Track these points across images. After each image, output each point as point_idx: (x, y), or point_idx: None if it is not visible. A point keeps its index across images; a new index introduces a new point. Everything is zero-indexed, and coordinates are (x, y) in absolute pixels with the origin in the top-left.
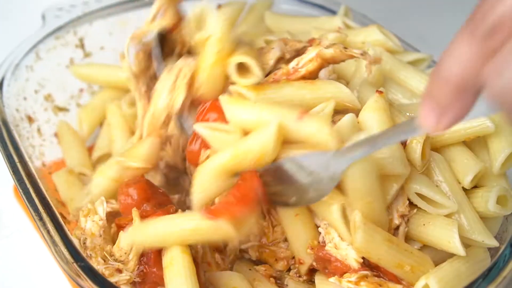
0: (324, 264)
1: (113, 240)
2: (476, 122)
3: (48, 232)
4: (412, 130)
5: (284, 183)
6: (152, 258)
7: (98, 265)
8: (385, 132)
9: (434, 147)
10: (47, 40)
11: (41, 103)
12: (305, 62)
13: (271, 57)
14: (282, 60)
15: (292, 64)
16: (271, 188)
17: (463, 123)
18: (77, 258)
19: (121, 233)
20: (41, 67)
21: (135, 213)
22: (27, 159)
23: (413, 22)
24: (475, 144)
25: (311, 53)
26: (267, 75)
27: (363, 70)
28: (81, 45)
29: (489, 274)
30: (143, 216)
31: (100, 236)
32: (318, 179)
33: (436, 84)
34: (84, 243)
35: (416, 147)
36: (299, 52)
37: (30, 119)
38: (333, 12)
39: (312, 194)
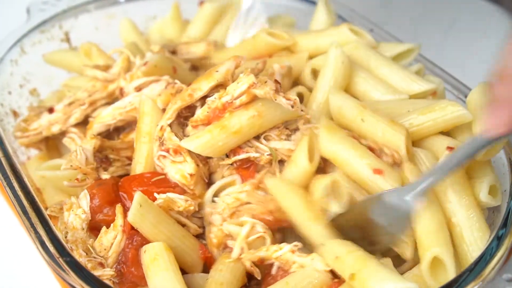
0: None
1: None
2: (451, 111)
3: (33, 226)
4: (472, 148)
5: (361, 228)
6: (130, 257)
7: (80, 257)
8: (447, 160)
9: (413, 140)
10: (32, 34)
11: (27, 97)
12: (238, 95)
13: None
14: (220, 87)
15: (226, 98)
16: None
17: (439, 112)
18: (62, 253)
19: (103, 228)
20: (26, 61)
21: (118, 209)
22: (11, 153)
23: (399, 16)
24: (456, 132)
25: (243, 84)
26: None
27: (329, 74)
28: (67, 39)
29: (476, 266)
30: (103, 221)
31: (83, 229)
32: (392, 219)
33: (496, 84)
34: (66, 237)
35: (400, 142)
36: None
37: (15, 114)
38: (313, 3)
39: (387, 238)
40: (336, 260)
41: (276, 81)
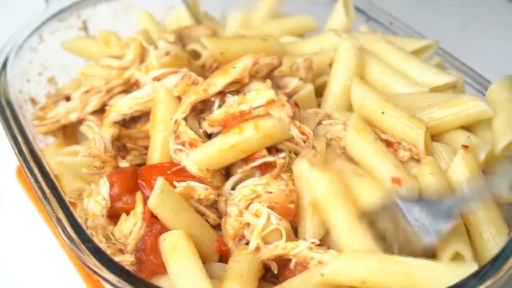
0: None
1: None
2: (473, 105)
3: (54, 212)
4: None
5: (388, 226)
6: (149, 245)
7: (99, 243)
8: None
9: (432, 134)
10: (51, 22)
11: (45, 85)
12: (256, 106)
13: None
14: (236, 84)
15: (245, 107)
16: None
17: (460, 107)
18: (83, 239)
19: (123, 215)
20: (44, 49)
21: (139, 197)
22: (31, 140)
23: (418, 9)
24: (476, 127)
25: (262, 98)
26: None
27: (341, 66)
28: (85, 28)
29: (497, 261)
30: (122, 209)
31: (103, 216)
32: (423, 229)
33: None
34: (86, 223)
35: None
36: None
37: (33, 101)
38: None
39: (416, 247)
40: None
41: (296, 105)
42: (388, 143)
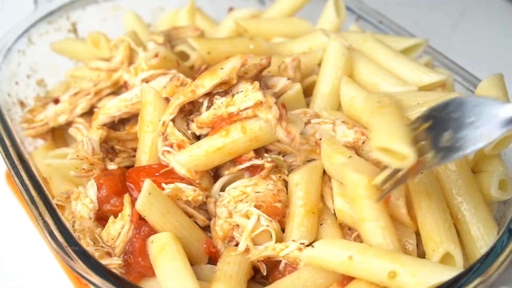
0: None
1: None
2: None
3: (41, 216)
4: None
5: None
6: (137, 247)
7: (87, 246)
8: None
9: None
10: (40, 24)
11: (34, 88)
12: (244, 108)
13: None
14: (224, 85)
15: (233, 109)
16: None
17: None
18: (70, 242)
19: (111, 218)
20: (33, 52)
21: (126, 199)
22: (19, 143)
23: (408, 8)
24: None
25: (250, 100)
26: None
27: (330, 66)
28: (74, 30)
29: (487, 259)
30: (110, 212)
31: (90, 219)
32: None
33: None
34: (73, 226)
35: None
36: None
37: (22, 104)
38: None
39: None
40: (350, 261)
41: (283, 106)
42: None
